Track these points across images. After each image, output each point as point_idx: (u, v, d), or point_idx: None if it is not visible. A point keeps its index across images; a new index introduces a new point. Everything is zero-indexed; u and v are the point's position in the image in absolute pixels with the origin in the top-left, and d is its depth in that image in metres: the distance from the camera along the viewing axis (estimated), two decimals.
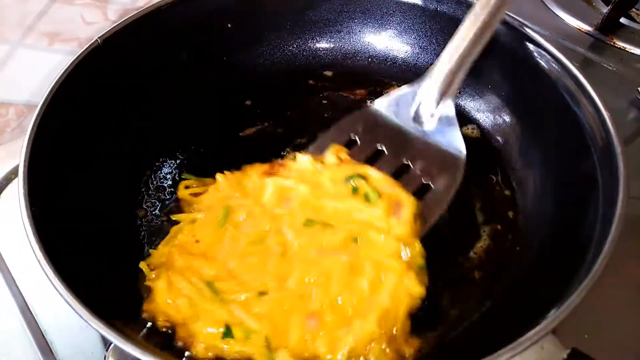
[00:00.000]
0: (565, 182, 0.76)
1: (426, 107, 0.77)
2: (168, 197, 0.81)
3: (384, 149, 0.77)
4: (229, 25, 0.94)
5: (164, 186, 0.83)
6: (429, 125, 0.77)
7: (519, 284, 0.71)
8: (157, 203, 0.81)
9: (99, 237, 0.72)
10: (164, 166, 0.85)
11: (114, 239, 0.75)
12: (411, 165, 0.76)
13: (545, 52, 0.80)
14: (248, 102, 0.95)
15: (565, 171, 0.77)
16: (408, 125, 0.78)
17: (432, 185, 0.74)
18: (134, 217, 0.79)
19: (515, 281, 0.72)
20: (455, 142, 0.76)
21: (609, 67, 1.05)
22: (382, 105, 0.80)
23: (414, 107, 0.78)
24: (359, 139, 0.79)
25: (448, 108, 0.76)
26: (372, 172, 0.74)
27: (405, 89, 0.79)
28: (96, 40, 0.79)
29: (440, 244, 0.77)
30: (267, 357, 0.60)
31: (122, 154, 0.82)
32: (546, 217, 0.76)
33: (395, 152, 0.77)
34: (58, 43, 1.13)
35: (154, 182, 0.83)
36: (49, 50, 1.12)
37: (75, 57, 0.76)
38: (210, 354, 0.61)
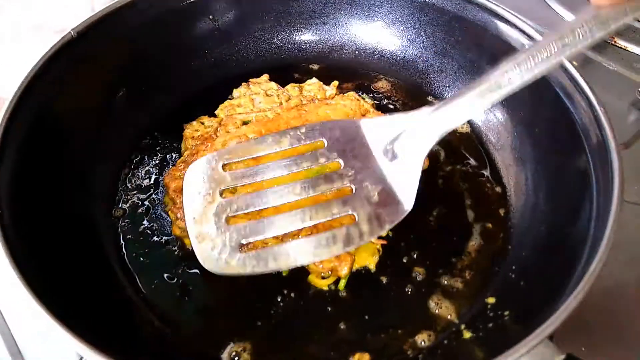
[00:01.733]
0: (558, 180, 0.74)
1: (405, 139, 0.67)
2: (146, 195, 0.78)
3: (341, 162, 0.68)
4: (210, 17, 0.91)
5: (143, 185, 0.79)
6: (395, 162, 0.67)
7: (512, 286, 0.69)
8: (136, 202, 0.77)
9: (73, 239, 0.69)
10: (142, 164, 0.82)
11: (89, 241, 0.71)
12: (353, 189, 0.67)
13: None
14: None
15: (558, 168, 0.74)
16: (377, 152, 0.68)
17: (356, 216, 0.65)
18: (110, 217, 0.76)
19: (508, 282, 0.70)
20: (408, 191, 0.66)
21: (610, 67, 1.02)
22: (366, 124, 0.70)
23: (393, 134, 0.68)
24: (326, 142, 0.70)
25: (422, 149, 0.66)
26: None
27: (396, 117, 0.69)
28: (69, 32, 0.75)
29: (432, 243, 0.75)
30: None
31: (98, 152, 0.78)
32: (539, 215, 0.74)
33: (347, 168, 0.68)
34: (45, 34, 1.09)
35: (132, 181, 0.80)
36: (36, 42, 1.08)
37: (48, 50, 0.72)
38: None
